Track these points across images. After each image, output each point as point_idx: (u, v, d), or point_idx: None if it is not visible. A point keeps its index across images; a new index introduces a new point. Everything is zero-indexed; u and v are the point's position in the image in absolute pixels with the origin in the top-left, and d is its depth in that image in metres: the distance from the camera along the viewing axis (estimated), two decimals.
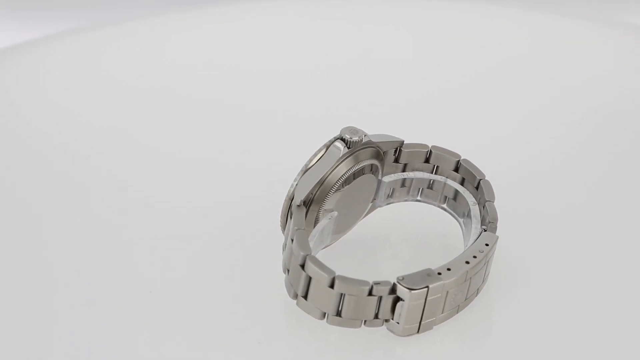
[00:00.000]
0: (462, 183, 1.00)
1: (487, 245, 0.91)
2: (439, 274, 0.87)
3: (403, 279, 0.86)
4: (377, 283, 0.86)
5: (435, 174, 1.01)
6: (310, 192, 0.91)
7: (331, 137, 0.94)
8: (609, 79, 1.35)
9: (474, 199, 0.98)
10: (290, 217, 0.91)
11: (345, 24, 1.49)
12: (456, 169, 1.00)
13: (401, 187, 1.01)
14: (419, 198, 1.02)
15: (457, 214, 1.01)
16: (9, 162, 1.17)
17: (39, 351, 0.89)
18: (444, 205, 1.02)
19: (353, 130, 0.93)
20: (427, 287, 0.86)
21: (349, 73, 1.37)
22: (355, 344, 0.90)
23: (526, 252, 1.02)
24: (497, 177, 0.99)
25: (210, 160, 1.18)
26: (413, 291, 0.86)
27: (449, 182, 1.00)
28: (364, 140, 0.94)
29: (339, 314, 0.87)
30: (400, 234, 1.04)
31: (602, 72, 1.37)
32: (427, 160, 1.00)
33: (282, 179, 0.97)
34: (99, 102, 1.29)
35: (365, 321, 0.88)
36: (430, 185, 1.01)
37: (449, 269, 0.88)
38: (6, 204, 1.10)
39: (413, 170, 1.01)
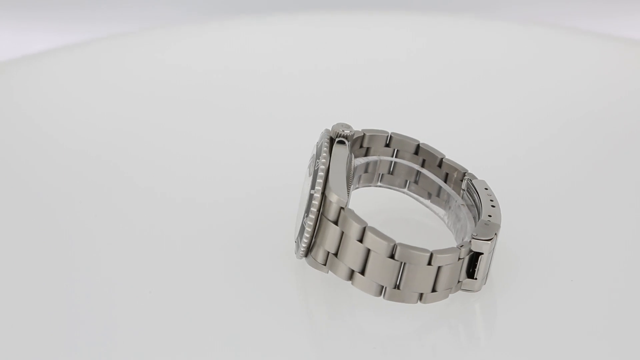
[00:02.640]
0: (422, 165, 1.03)
1: (486, 189, 0.97)
2: (488, 221, 0.92)
3: (476, 234, 0.90)
4: (444, 251, 0.88)
5: (396, 157, 1.03)
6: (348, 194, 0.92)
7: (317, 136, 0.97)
8: (603, 86, 1.41)
9: (439, 178, 1.02)
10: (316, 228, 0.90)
11: (343, 32, 1.53)
12: (416, 152, 1.03)
13: (364, 172, 1.03)
14: (379, 184, 1.04)
15: (421, 196, 1.04)
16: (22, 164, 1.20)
17: (38, 351, 0.87)
18: (405, 190, 1.04)
19: (345, 126, 0.95)
20: (495, 234, 0.90)
21: (344, 77, 1.40)
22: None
23: (531, 241, 1.04)
24: (496, 170, 1.05)
25: (215, 159, 1.20)
26: (490, 241, 0.89)
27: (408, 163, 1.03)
28: (355, 135, 0.98)
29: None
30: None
31: (595, 81, 1.43)
32: (387, 145, 1.03)
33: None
34: (110, 106, 1.32)
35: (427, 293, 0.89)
36: (391, 170, 1.04)
37: (490, 215, 0.93)
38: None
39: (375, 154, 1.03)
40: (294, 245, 0.95)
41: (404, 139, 1.02)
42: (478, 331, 0.94)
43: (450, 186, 1.03)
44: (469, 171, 1.02)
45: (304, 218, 0.91)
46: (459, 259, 0.88)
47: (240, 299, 0.94)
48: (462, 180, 1.02)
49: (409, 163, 1.04)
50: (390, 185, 1.05)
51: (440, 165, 1.03)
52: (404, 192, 1.05)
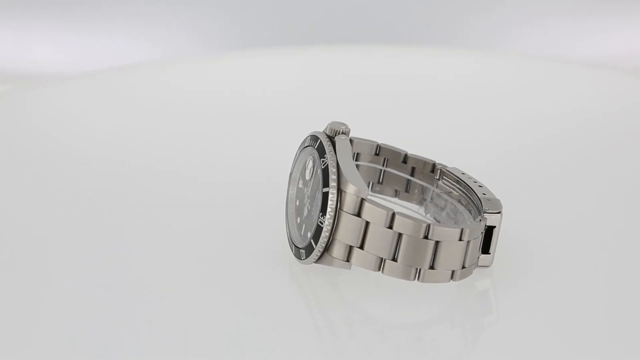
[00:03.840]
0: (385, 164, 1.04)
1: (463, 173, 1.00)
2: (488, 197, 0.94)
3: (487, 208, 0.91)
4: (471, 225, 0.89)
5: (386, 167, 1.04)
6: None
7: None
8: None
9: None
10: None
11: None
12: (377, 153, 1.03)
13: None
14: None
15: (387, 195, 1.05)
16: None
17: (37, 351, 0.85)
18: (397, 199, 1.05)
19: (341, 123, 0.94)
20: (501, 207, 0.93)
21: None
22: None
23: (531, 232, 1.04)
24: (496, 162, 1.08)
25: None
26: (500, 213, 0.91)
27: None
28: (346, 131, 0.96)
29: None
30: None
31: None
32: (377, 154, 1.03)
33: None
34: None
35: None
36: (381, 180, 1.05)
37: (484, 193, 0.95)
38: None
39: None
40: (292, 253, 0.94)
41: (362, 142, 1.03)
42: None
43: (419, 179, 1.04)
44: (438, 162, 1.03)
45: (318, 218, 0.89)
46: (481, 232, 0.90)
47: (240, 299, 0.92)
48: (432, 172, 1.03)
49: (371, 164, 1.04)
50: None
51: (405, 162, 1.04)
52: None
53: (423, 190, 1.04)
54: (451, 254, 0.88)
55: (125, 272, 0.96)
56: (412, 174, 1.05)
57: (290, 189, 0.97)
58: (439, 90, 1.55)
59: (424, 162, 1.04)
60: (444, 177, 1.02)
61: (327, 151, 0.90)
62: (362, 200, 0.86)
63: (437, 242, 0.87)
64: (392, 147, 1.04)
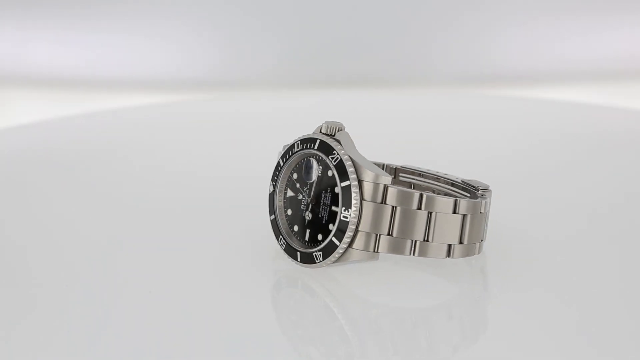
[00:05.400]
0: None
1: (420, 168, 1.03)
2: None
3: (477, 186, 0.94)
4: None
5: None
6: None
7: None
8: None
9: None
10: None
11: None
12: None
13: None
14: None
15: None
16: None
17: (37, 351, 0.82)
18: None
19: (334, 121, 0.93)
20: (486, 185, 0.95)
21: None
22: None
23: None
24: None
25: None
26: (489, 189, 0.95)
27: None
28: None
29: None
30: None
31: None
32: None
33: None
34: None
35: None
36: None
37: (458, 177, 0.98)
38: None
39: None
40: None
41: None
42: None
43: None
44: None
45: (340, 213, 0.89)
46: (483, 212, 0.91)
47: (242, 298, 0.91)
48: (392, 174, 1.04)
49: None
50: None
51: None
52: None
53: None
54: (477, 227, 0.90)
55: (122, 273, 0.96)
56: None
57: (277, 200, 0.95)
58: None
59: (382, 165, 1.04)
60: (400, 173, 1.03)
61: (335, 147, 0.90)
62: (386, 186, 0.88)
63: (464, 216, 0.89)
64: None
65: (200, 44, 2.02)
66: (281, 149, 0.95)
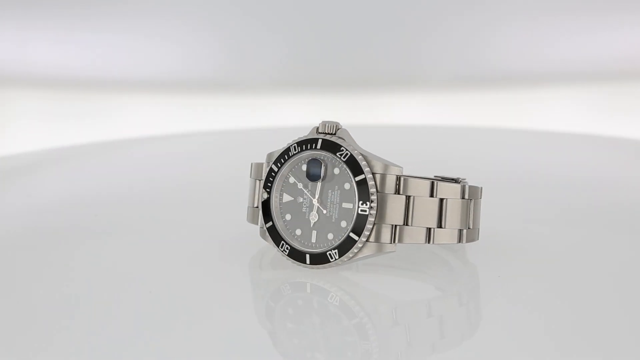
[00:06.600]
0: None
1: None
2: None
3: (458, 177, 0.94)
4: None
5: None
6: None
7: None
8: None
9: None
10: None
11: None
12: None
13: None
14: None
15: None
16: None
17: (36, 351, 0.80)
18: None
19: (331, 121, 0.93)
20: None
21: None
22: None
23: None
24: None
25: None
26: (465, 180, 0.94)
27: None
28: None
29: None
30: None
31: None
32: None
33: None
34: None
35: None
36: None
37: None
38: None
39: None
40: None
41: None
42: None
43: None
44: None
45: (357, 206, 0.88)
46: (465, 198, 0.91)
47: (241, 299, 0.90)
48: None
49: None
50: None
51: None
52: None
53: None
54: (478, 211, 0.91)
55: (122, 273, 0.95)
56: None
57: (273, 206, 0.93)
58: None
59: None
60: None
61: (342, 144, 0.90)
62: (398, 177, 0.89)
63: (470, 201, 0.90)
64: None
65: (200, 44, 2.02)
66: (265, 157, 0.94)
